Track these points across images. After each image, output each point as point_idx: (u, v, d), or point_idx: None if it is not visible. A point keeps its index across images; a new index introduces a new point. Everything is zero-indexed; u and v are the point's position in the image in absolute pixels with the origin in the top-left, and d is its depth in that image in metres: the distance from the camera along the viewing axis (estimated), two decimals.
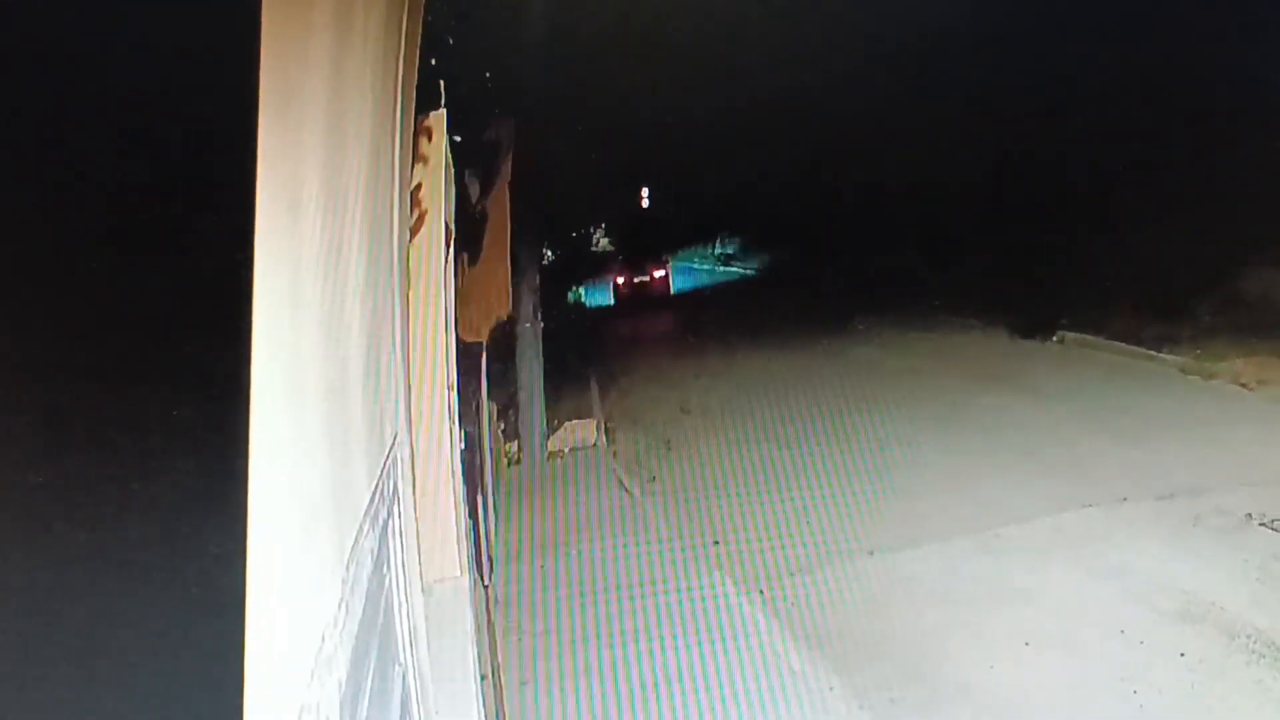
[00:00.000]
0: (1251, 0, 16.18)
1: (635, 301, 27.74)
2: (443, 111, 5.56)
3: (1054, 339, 18.60)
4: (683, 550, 9.60)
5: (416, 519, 4.57)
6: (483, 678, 6.53)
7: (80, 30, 1.59)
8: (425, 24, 4.26)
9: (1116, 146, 18.02)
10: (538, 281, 13.78)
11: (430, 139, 5.43)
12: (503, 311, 8.17)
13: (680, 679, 7.52)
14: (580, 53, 14.46)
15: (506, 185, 7.97)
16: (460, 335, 6.82)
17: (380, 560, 3.13)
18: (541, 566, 9.45)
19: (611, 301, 27.54)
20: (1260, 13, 16.21)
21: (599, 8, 13.88)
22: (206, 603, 1.53)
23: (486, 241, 7.08)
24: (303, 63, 2.16)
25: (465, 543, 6.02)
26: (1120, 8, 17.04)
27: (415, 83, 4.26)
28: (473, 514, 7.38)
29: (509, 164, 8.03)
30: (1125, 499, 9.92)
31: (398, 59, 3.72)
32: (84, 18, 1.59)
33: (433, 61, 5.35)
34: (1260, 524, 9.18)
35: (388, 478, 3.46)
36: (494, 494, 9.58)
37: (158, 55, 1.64)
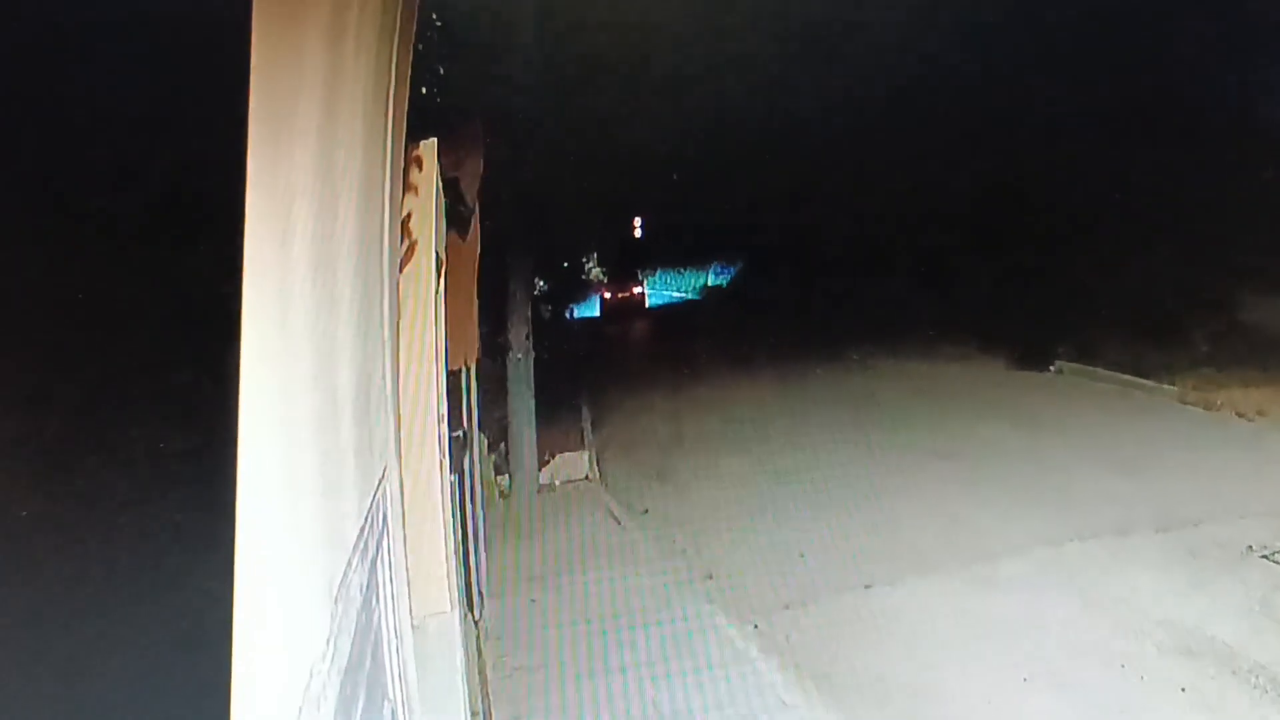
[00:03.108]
0: (1248, 26, 16.32)
1: (626, 329, 29.01)
2: (434, 140, 5.57)
3: (1051, 369, 18.67)
4: (675, 584, 9.58)
5: (406, 553, 4.55)
6: (474, 714, 6.49)
7: (72, 63, 1.60)
8: (416, 53, 4.28)
9: (1113, 173, 18.15)
10: (529, 311, 13.81)
11: (421, 168, 5.45)
12: (470, 356, 8.09)
13: (674, 714, 7.49)
14: (572, 79, 14.53)
15: (475, 209, 7.91)
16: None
17: (369, 595, 3.12)
18: (532, 601, 9.42)
19: (602, 329, 28.82)
20: (1256, 38, 16.36)
21: (589, 36, 13.96)
22: (193, 638, 1.52)
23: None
24: (293, 93, 2.17)
25: (455, 577, 5.99)
26: (1115, 34, 17.17)
27: (406, 111, 4.27)
28: (463, 548, 7.35)
29: (477, 184, 7.95)
30: (1123, 531, 9.93)
31: (388, 88, 3.74)
32: (76, 50, 1.60)
33: (424, 90, 5.39)
34: (1261, 556, 9.19)
35: (377, 511, 3.44)
36: (484, 528, 9.54)
37: (146, 87, 1.65)
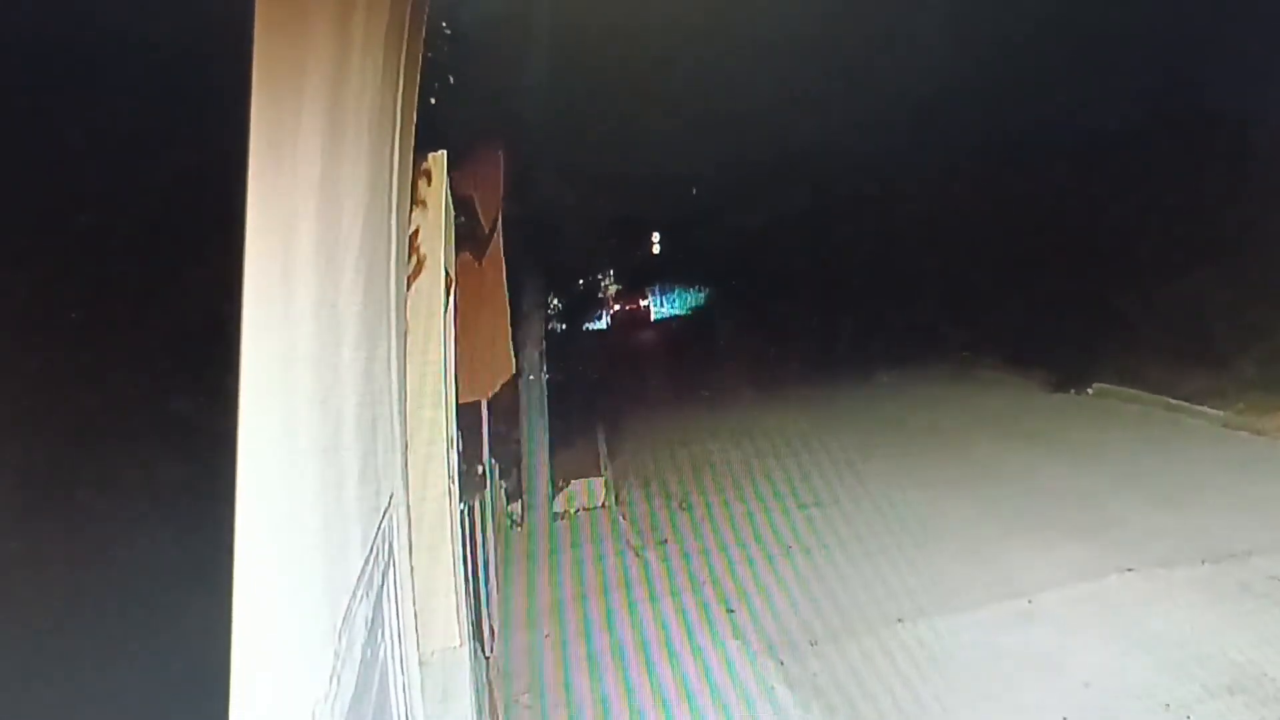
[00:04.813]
0: None
1: (640, 348, 29.92)
2: (442, 153, 5.56)
3: (1088, 392, 18.56)
4: (697, 618, 9.53)
5: (413, 585, 4.53)
6: None
7: (66, 79, 1.59)
8: (425, 61, 4.29)
9: (1153, 191, 18.07)
10: (542, 332, 13.81)
11: (430, 182, 5.45)
12: (501, 374, 8.11)
13: None
14: (591, 96, 14.57)
15: (499, 231, 7.91)
16: (460, 393, 6.78)
17: (375, 629, 3.10)
18: (546, 635, 9.38)
19: (615, 347, 29.62)
20: None
21: (605, 48, 13.99)
22: (189, 678, 1.50)
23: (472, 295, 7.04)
24: (296, 106, 2.16)
25: (465, 610, 5.96)
26: (1154, 52, 17.14)
27: (414, 123, 4.28)
28: (474, 579, 7.32)
29: (499, 205, 7.95)
30: (1167, 563, 9.83)
31: (395, 99, 3.74)
32: (69, 64, 1.60)
33: (433, 101, 5.38)
34: None
35: (383, 540, 3.43)
36: (496, 558, 9.51)
37: (143, 99, 1.65)
